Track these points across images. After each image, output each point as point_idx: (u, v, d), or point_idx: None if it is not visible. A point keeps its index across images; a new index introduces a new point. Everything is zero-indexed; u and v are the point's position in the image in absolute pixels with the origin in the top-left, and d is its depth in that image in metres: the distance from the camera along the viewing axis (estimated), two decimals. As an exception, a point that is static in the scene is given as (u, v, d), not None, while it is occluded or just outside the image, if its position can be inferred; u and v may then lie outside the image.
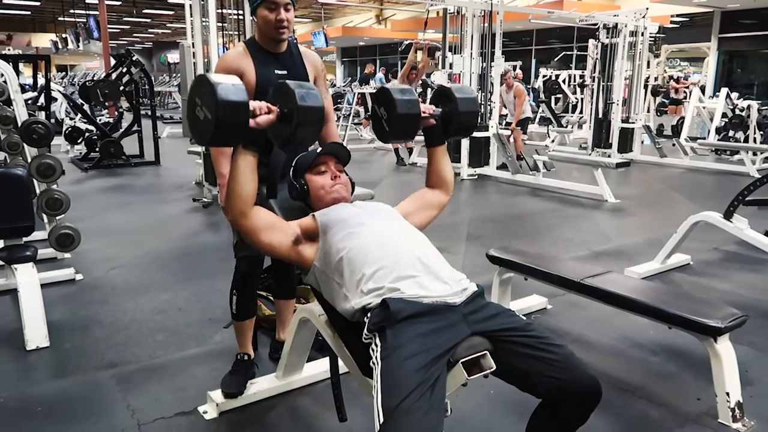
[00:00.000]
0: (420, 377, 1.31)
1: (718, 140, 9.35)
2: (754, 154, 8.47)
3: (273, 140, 1.66)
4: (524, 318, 1.57)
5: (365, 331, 1.48)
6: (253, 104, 1.54)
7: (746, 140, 9.29)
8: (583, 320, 3.02)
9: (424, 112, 1.82)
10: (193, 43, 5.62)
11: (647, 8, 8.57)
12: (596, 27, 8.80)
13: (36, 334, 2.69)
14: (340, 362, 1.86)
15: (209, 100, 1.46)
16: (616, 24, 8.51)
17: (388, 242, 1.64)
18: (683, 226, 3.59)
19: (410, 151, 8.48)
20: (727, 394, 2.09)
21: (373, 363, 1.42)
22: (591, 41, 11.36)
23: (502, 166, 7.69)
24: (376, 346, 1.44)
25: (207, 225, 5.17)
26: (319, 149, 1.94)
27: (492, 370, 1.42)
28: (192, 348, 2.71)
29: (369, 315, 1.50)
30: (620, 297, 2.33)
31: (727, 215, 3.41)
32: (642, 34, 8.82)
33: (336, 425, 1.98)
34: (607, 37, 8.68)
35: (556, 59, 15.34)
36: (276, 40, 2.16)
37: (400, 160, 8.38)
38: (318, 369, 2.39)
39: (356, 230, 1.66)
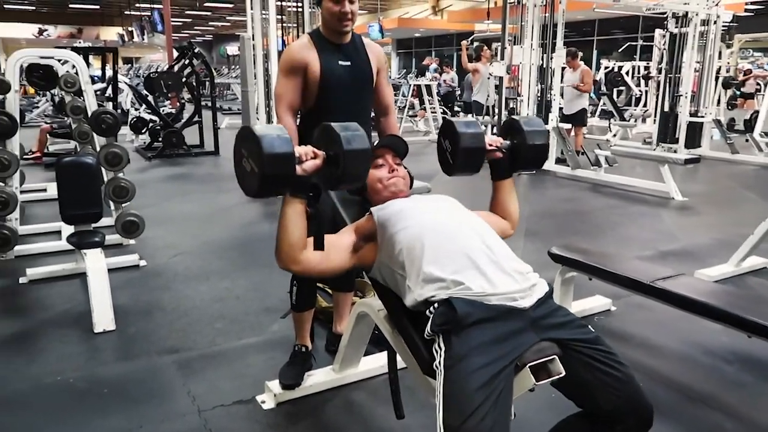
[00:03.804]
0: (485, 394, 1.27)
1: (796, 136, 8.78)
2: (835, 151, 7.91)
3: (320, 185, 1.61)
4: (593, 330, 1.49)
5: (428, 329, 1.44)
6: (299, 150, 1.50)
7: (828, 137, 8.69)
8: (649, 323, 2.88)
9: (490, 145, 1.81)
10: (253, 35, 5.69)
11: (720, -5, 8.10)
12: (664, 16, 8.39)
13: (103, 317, 2.79)
14: (399, 358, 1.84)
15: (254, 153, 1.42)
16: (686, 12, 8.09)
17: (447, 230, 1.59)
18: (762, 226, 3.37)
19: None
20: (812, 409, 1.95)
21: (436, 367, 1.39)
22: (657, 31, 10.87)
23: (561, 161, 7.48)
24: (439, 348, 1.40)
25: (264, 215, 5.25)
26: (377, 141, 1.91)
27: (561, 375, 1.36)
28: (250, 337, 2.75)
29: (432, 310, 1.46)
30: (696, 302, 2.19)
31: (811, 217, 3.19)
32: (714, 23, 8.35)
33: (392, 422, 1.96)
34: (675, 27, 8.26)
35: (619, 50, 14.78)
36: (340, 32, 2.14)
37: None
38: (374, 364, 2.37)
39: (413, 221, 1.62)
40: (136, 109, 9.95)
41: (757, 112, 9.98)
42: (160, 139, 8.26)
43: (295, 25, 5.65)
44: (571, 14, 8.99)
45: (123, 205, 3.84)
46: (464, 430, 1.23)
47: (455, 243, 1.55)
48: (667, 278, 2.42)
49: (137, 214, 3.87)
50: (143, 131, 8.99)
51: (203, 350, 2.61)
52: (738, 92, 12.97)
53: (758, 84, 13.33)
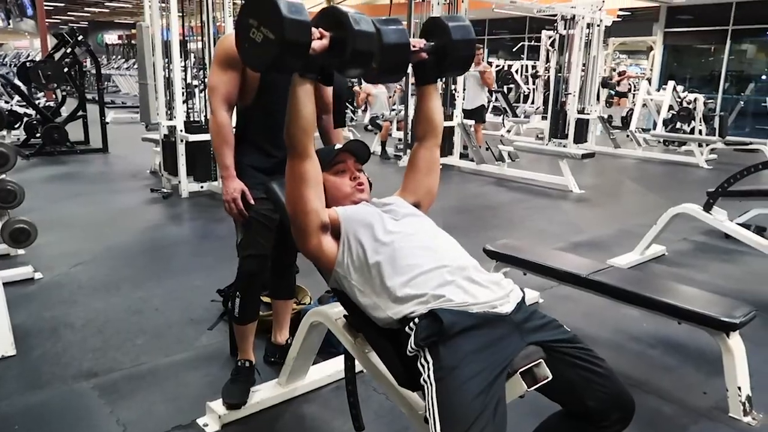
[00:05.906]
0: (482, 403, 1.22)
1: (666, 132, 9.67)
2: (699, 145, 8.77)
3: (327, 67, 1.54)
4: (569, 329, 1.50)
5: (411, 345, 1.37)
6: None
7: (692, 132, 9.65)
8: (576, 313, 3.00)
9: (413, 46, 1.64)
10: (151, 23, 5.27)
11: (603, 0, 8.70)
12: (554, 18, 8.88)
13: (1, 341, 2.44)
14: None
15: (271, 19, 1.36)
16: (574, 15, 8.62)
17: (422, 246, 1.53)
18: (663, 217, 3.64)
19: (384, 144, 8.29)
20: (739, 388, 2.10)
21: (425, 381, 1.32)
22: (544, 32, 11.51)
23: (464, 156, 7.70)
24: (426, 362, 1.33)
25: (170, 217, 4.91)
26: (338, 146, 1.80)
27: (549, 379, 1.35)
28: (178, 352, 2.52)
29: (412, 325, 1.39)
30: (632, 294, 2.30)
31: (707, 207, 3.48)
32: (598, 26, 8.97)
33: (350, 433, 1.87)
34: (564, 29, 8.78)
35: (514, 50, 15.54)
36: None
37: (385, 153, 8.19)
38: (321, 374, 2.27)
39: (385, 238, 1.54)
40: (6, 102, 8.97)
41: (632, 109, 10.88)
42: (38, 135, 7.48)
43: (198, 12, 5.32)
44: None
45: (9, 211, 3.42)
46: None
47: (431, 260, 1.49)
48: (601, 270, 2.52)
49: (28, 220, 3.46)
50: (16, 126, 8.12)
51: (127, 371, 2.35)
52: (614, 91, 14.08)
53: (630, 84, 14.56)
